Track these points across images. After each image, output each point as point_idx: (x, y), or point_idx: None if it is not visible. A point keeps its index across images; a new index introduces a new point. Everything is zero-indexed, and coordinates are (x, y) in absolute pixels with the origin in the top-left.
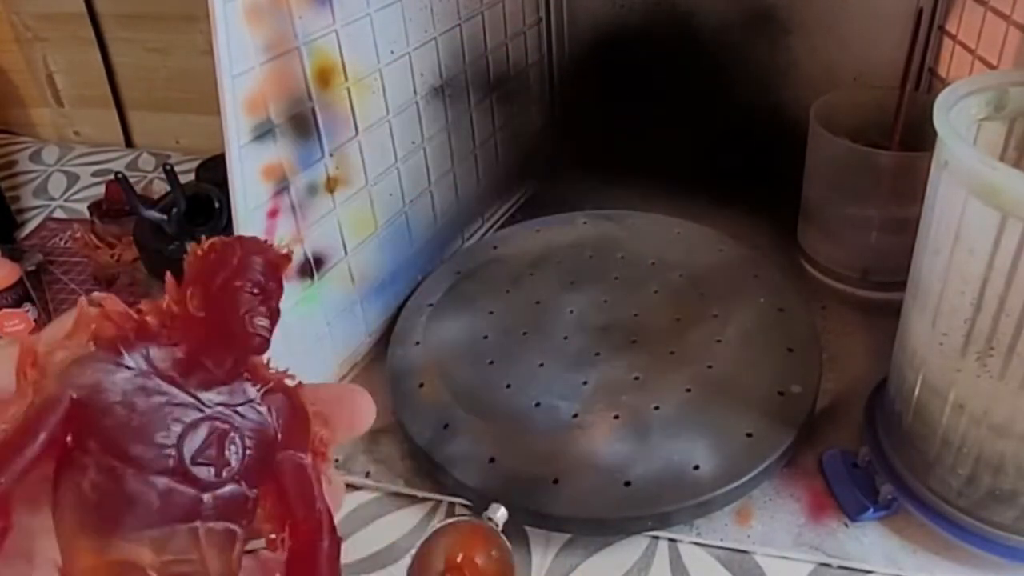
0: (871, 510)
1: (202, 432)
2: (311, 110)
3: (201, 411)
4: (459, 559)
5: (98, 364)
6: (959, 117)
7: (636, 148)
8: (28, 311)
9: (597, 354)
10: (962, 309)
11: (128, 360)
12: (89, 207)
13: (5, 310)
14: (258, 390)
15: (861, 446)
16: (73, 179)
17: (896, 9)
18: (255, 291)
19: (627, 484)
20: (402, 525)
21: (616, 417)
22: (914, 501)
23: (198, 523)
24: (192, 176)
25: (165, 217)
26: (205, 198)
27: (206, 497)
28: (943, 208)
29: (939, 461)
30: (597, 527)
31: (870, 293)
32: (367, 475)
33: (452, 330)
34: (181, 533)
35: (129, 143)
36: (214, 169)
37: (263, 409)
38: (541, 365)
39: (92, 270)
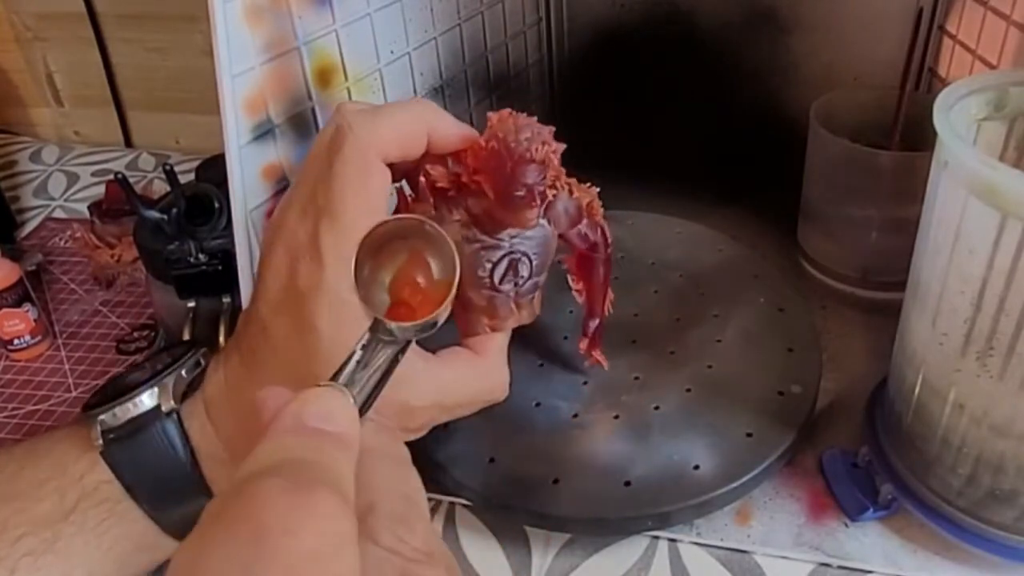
0: (871, 510)
1: (503, 264)
2: (311, 110)
3: (500, 247)
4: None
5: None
6: (959, 117)
7: (636, 148)
8: (28, 311)
9: None
10: (962, 309)
11: (456, 215)
12: (89, 207)
13: (5, 310)
14: (541, 209)
15: (861, 446)
16: (73, 179)
17: (896, 9)
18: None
19: (627, 484)
20: None
21: (616, 417)
22: (914, 501)
23: (512, 304)
24: (192, 176)
25: (165, 217)
26: (205, 198)
27: (513, 294)
28: (943, 208)
29: (939, 461)
30: (597, 527)
31: (870, 293)
32: None
33: (452, 330)
34: (503, 301)
35: (129, 143)
36: (214, 169)
37: (544, 222)
38: (541, 365)
39: (92, 270)
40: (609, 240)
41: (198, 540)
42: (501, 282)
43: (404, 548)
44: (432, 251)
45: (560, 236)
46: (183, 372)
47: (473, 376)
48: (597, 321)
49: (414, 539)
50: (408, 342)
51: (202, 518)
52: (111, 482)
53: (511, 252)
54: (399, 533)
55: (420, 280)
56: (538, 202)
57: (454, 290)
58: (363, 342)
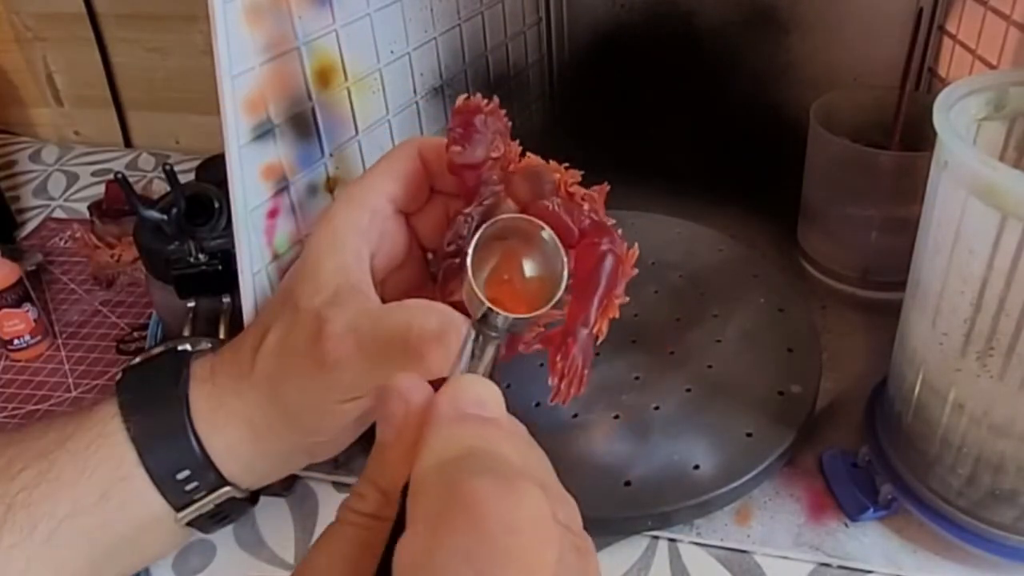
0: (871, 510)
1: (454, 225)
2: (311, 110)
3: (465, 215)
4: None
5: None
6: (959, 117)
7: (636, 148)
8: (28, 311)
9: (597, 354)
10: (962, 309)
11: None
12: (89, 207)
13: (5, 310)
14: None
15: (861, 446)
16: (73, 179)
17: (896, 9)
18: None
19: (627, 484)
20: None
21: (616, 417)
22: (914, 501)
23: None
24: (192, 176)
25: (165, 217)
26: (205, 198)
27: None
28: (943, 208)
29: (939, 461)
30: (597, 527)
31: (870, 293)
32: None
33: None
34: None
35: (129, 143)
36: (214, 169)
37: (497, 190)
38: (541, 365)
39: (92, 270)
40: (618, 237)
41: (426, 539)
42: (448, 244)
43: (573, 524)
44: (529, 250)
45: (531, 212)
46: (206, 343)
47: (396, 307)
48: (583, 330)
49: (577, 516)
50: (504, 335)
51: (417, 514)
52: (110, 402)
53: (466, 217)
54: (566, 509)
55: (514, 277)
56: (461, 132)
57: (563, 283)
58: (472, 336)
